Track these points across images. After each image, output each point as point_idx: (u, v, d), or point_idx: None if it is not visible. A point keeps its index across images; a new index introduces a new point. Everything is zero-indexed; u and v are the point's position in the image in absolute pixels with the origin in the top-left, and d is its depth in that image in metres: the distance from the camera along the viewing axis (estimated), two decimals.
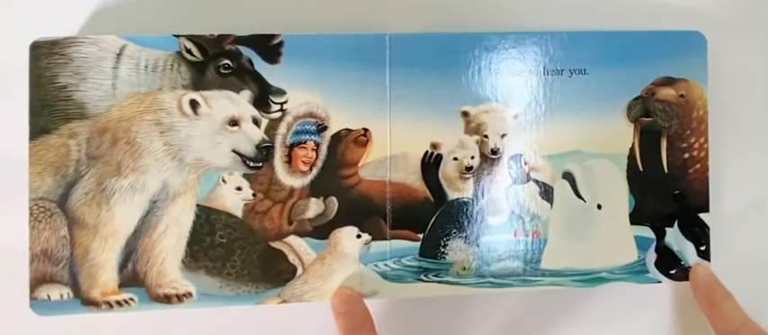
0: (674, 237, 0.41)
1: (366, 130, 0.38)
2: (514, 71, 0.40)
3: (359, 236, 0.38)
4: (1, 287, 0.38)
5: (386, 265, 0.38)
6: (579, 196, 0.41)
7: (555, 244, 0.40)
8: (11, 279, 0.37)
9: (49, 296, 0.36)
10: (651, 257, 0.41)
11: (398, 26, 0.39)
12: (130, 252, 0.37)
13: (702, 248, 0.41)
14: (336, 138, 0.38)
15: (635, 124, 0.41)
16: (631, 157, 0.41)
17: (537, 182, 0.40)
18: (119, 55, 0.37)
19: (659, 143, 0.41)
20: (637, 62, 0.41)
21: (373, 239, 0.38)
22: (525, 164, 0.40)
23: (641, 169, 0.41)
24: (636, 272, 0.41)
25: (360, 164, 0.38)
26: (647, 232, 0.41)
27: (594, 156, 0.41)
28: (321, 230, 0.38)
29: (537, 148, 0.40)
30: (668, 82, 0.41)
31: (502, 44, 0.40)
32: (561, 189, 0.41)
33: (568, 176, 0.41)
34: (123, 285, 0.37)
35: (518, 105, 0.40)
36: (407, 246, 0.39)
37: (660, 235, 0.41)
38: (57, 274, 0.36)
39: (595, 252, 0.41)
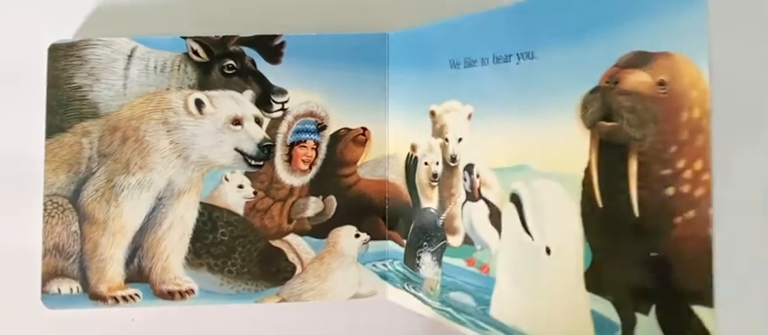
0: (649, 330, 0.26)
1: (365, 129, 0.38)
2: (469, 61, 0.34)
3: (357, 235, 0.38)
4: (14, 280, 0.39)
5: (384, 265, 0.38)
6: (526, 229, 0.31)
7: (503, 289, 0.32)
8: (23, 273, 0.38)
9: (59, 290, 0.37)
10: None
11: (399, 26, 0.40)
12: (137, 248, 0.38)
13: None
14: (336, 137, 0.38)
15: (592, 131, 0.27)
16: (587, 183, 0.27)
17: (487, 202, 0.33)
18: (130, 56, 0.38)
19: (626, 165, 0.26)
20: (599, 36, 0.27)
21: (372, 239, 0.38)
22: (477, 177, 0.33)
23: (600, 205, 0.27)
24: None
25: (359, 163, 0.38)
26: (609, 311, 0.27)
27: (543, 175, 0.29)
28: (320, 229, 0.38)
29: (486, 158, 0.32)
30: (639, 61, 0.26)
31: (459, 31, 0.34)
32: (508, 216, 0.31)
33: (515, 200, 0.31)
34: (129, 280, 0.38)
35: (472, 103, 0.33)
36: (398, 250, 0.38)
37: (627, 322, 0.26)
38: (67, 268, 0.38)
39: (545, 314, 0.30)
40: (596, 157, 0.27)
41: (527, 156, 0.30)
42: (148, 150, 0.38)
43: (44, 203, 0.38)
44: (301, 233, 0.38)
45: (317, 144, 0.38)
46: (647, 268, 0.26)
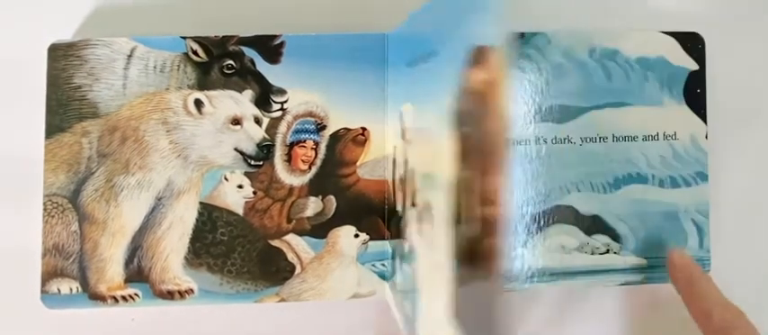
0: None
1: (364, 129, 0.38)
2: (412, 61, 0.31)
3: (357, 235, 0.38)
4: (14, 280, 0.39)
5: (383, 265, 0.38)
6: (431, 243, 0.27)
7: (423, 306, 0.28)
8: (23, 272, 0.39)
9: (59, 290, 0.37)
10: None
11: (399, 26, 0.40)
12: (136, 248, 0.38)
13: None
14: (335, 137, 0.39)
15: (457, 138, 0.23)
16: (454, 196, 0.24)
17: (418, 209, 0.30)
18: (129, 56, 0.38)
19: (470, 177, 0.22)
20: (462, 28, 0.23)
21: (371, 239, 0.38)
22: (415, 182, 0.30)
23: (458, 223, 0.23)
24: None
25: (358, 163, 0.38)
26: None
27: (439, 185, 0.25)
28: (319, 229, 0.38)
29: (418, 163, 0.30)
30: (477, 56, 0.22)
31: (408, 30, 0.33)
32: (426, 226, 0.28)
33: (428, 210, 0.27)
34: (129, 280, 0.38)
35: (415, 104, 0.31)
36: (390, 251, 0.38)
37: None
38: (67, 268, 0.38)
39: None
40: (458, 165, 0.23)
41: (432, 161, 0.26)
42: (148, 150, 0.38)
43: (44, 203, 0.38)
44: (301, 233, 0.38)
45: (317, 144, 0.39)
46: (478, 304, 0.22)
